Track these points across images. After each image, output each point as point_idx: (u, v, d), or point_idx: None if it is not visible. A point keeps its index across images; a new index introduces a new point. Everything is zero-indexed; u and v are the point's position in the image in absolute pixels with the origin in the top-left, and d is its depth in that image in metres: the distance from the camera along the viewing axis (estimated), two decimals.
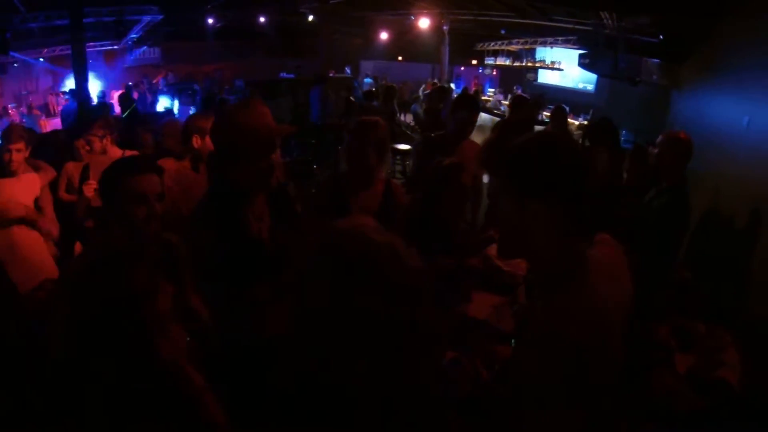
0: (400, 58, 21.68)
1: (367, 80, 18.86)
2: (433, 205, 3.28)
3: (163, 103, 16.02)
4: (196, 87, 16.62)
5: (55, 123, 15.92)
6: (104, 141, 4.59)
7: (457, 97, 5.60)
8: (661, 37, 8.03)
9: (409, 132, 11.86)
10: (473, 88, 17.95)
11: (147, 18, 14.73)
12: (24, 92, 19.22)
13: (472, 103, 4.68)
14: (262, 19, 17.61)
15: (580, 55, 11.37)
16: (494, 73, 19.79)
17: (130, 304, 1.73)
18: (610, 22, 9.15)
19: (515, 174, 1.51)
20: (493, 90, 18.56)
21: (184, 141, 3.99)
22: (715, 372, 2.50)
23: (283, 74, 15.10)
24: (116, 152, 4.59)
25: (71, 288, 1.83)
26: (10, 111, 16.87)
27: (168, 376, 1.85)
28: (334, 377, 1.07)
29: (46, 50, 16.88)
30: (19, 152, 4.06)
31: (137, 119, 9.00)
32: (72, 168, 5.26)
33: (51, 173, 4.47)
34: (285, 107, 12.24)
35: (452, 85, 16.29)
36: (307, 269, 1.13)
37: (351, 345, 1.05)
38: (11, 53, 13.73)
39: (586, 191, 1.51)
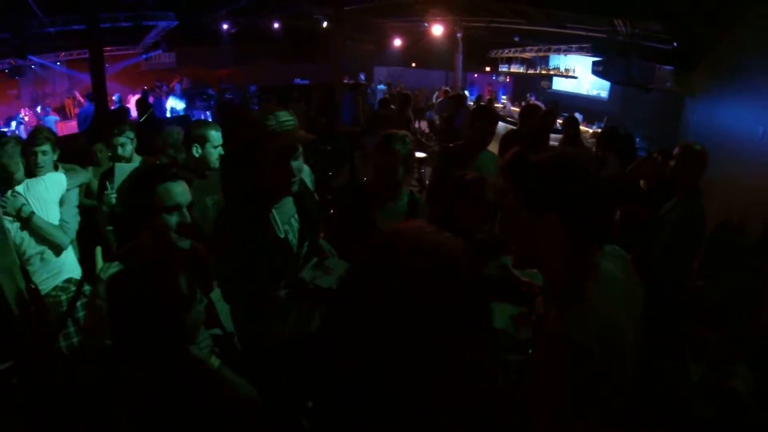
0: (413, 64, 21.71)
1: (381, 87, 18.90)
2: (454, 219, 3.31)
3: (175, 106, 16.13)
4: (210, 92, 16.73)
5: (72, 126, 16.12)
6: (133, 144, 4.61)
7: (475, 108, 5.62)
8: (674, 44, 8.03)
9: (424, 140, 11.87)
10: (487, 96, 17.94)
11: (163, 23, 14.85)
12: (41, 95, 19.51)
13: (490, 114, 4.71)
14: (276, 25, 17.69)
15: (594, 63, 11.35)
16: (508, 80, 19.76)
17: (165, 311, 1.80)
18: (623, 29, 9.14)
19: (530, 188, 1.59)
20: (505, 97, 18.56)
21: (186, 149, 4.00)
22: (726, 382, 2.52)
23: (297, 80, 15.16)
24: (136, 158, 4.61)
25: (109, 296, 1.89)
26: (25, 113, 17.10)
27: (194, 380, 1.90)
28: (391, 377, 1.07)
29: (63, 54, 17.08)
30: (45, 154, 4.13)
31: (154, 124, 9.05)
32: (93, 172, 5.34)
33: (82, 177, 4.53)
34: (299, 113, 12.23)
35: (466, 92, 16.30)
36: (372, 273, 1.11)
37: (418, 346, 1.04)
38: (28, 57, 13.92)
39: (598, 206, 1.58)
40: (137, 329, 1.79)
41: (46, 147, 4.13)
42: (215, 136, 3.79)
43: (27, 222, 3.81)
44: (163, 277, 1.84)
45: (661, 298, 1.81)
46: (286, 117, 2.37)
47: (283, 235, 2.50)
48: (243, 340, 2.61)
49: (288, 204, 2.59)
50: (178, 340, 1.90)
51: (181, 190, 2.35)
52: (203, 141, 3.76)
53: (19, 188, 3.84)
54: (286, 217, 2.56)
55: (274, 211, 2.50)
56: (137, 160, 4.61)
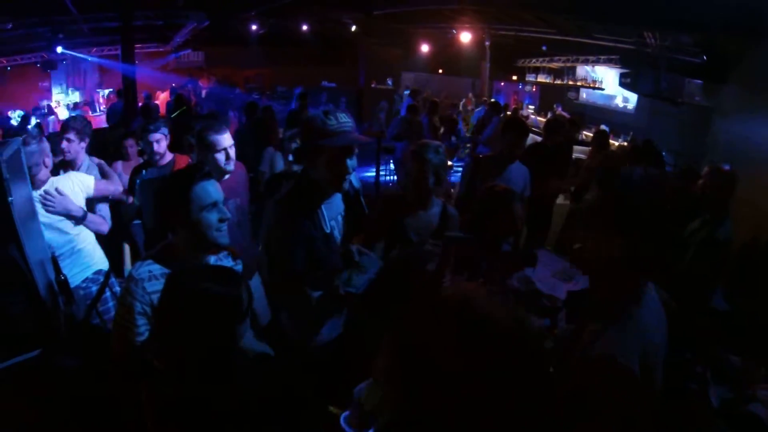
0: (440, 71, 21.68)
1: (406, 92, 18.92)
2: (481, 229, 3.32)
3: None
4: (237, 92, 16.88)
5: (100, 120, 16.39)
6: (163, 144, 4.63)
7: (507, 120, 5.64)
8: (704, 57, 7.94)
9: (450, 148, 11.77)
10: (513, 105, 17.88)
11: (193, 23, 15.03)
12: (71, 88, 19.88)
13: (521, 126, 4.72)
14: (304, 27, 17.79)
15: (622, 75, 11.27)
16: (534, 89, 19.68)
17: (215, 310, 1.87)
18: (652, 41, 9.06)
19: (616, 210, 1.62)
20: (531, 107, 18.48)
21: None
22: (747, 406, 2.49)
23: (325, 83, 15.21)
24: (168, 156, 4.67)
25: (169, 295, 1.96)
26: (55, 106, 17.43)
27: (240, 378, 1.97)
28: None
29: (95, 49, 17.39)
30: (70, 142, 4.23)
31: (187, 122, 9.12)
32: (121, 167, 5.41)
33: (113, 186, 4.50)
34: None
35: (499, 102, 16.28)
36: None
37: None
38: (61, 50, 14.21)
39: (667, 235, 1.65)
40: (191, 330, 1.86)
41: (71, 135, 4.23)
42: (219, 139, 3.74)
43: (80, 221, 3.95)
44: (224, 277, 1.94)
45: (684, 320, 1.81)
46: (345, 118, 2.54)
47: (329, 230, 2.64)
48: (278, 331, 2.76)
49: (336, 201, 2.75)
50: (230, 341, 1.97)
51: (215, 188, 2.40)
52: (206, 146, 3.75)
53: (43, 189, 3.85)
54: (333, 213, 2.71)
55: (323, 207, 2.64)
56: (170, 157, 4.65)
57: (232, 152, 3.75)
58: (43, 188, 3.81)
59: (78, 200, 3.98)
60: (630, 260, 1.60)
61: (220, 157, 3.67)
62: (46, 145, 3.94)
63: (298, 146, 2.72)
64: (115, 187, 4.53)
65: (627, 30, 10.00)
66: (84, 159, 4.63)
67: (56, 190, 3.84)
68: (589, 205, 1.75)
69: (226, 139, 3.70)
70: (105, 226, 4.19)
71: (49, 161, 3.90)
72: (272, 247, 2.60)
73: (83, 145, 4.62)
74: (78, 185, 4.05)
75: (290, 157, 4.20)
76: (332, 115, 2.52)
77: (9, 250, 3.20)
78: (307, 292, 2.53)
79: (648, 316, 1.60)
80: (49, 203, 3.80)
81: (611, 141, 11.18)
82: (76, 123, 4.58)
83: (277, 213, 2.62)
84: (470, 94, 18.10)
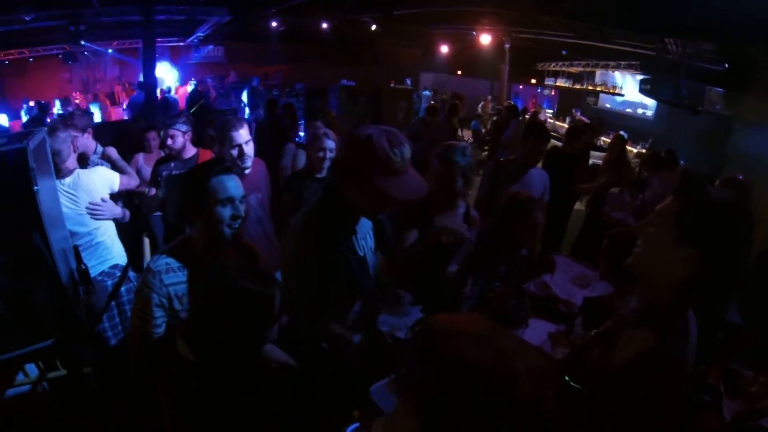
0: (459, 72, 21.67)
1: (426, 93, 18.89)
2: (503, 233, 3.36)
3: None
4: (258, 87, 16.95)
5: (119, 112, 16.58)
6: (186, 137, 4.62)
7: (528, 124, 5.63)
8: (726, 64, 7.86)
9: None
10: (531, 108, 17.82)
11: (215, 18, 15.12)
12: (92, 80, 20.12)
13: (543, 131, 4.72)
14: (324, 26, 17.84)
15: (641, 81, 11.18)
16: (553, 93, 19.62)
17: (250, 308, 1.91)
18: (673, 47, 8.98)
19: (685, 226, 1.62)
20: (550, 112, 18.42)
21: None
22: (759, 421, 2.49)
23: (344, 81, 15.21)
24: (192, 150, 4.69)
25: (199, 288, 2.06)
26: (76, 97, 17.63)
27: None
28: None
29: (116, 42, 17.56)
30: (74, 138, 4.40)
31: (205, 116, 9.18)
32: (143, 160, 5.48)
33: (133, 181, 4.67)
34: (346, 114, 12.28)
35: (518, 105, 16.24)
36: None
37: None
38: (83, 43, 14.37)
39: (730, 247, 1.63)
40: (224, 326, 1.89)
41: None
42: (236, 135, 3.75)
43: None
44: (239, 277, 1.94)
45: (700, 330, 1.81)
46: (407, 152, 2.20)
47: (362, 254, 2.49)
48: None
49: (364, 220, 2.54)
50: (260, 341, 2.02)
51: (234, 184, 2.38)
52: (225, 140, 3.77)
53: (68, 180, 3.92)
54: (363, 233, 2.54)
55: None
56: (193, 151, 4.67)
57: (248, 149, 3.76)
58: (69, 179, 3.88)
59: (103, 194, 4.06)
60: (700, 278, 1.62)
61: (234, 153, 3.71)
62: (72, 132, 4.02)
63: (338, 160, 2.41)
64: (135, 181, 4.66)
65: (648, 36, 9.92)
66: (94, 146, 4.90)
67: (102, 199, 4.01)
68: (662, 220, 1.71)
69: (241, 135, 3.72)
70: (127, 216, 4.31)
71: (74, 147, 4.01)
72: (303, 268, 2.32)
73: (87, 135, 4.82)
74: (103, 180, 4.12)
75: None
76: (398, 148, 2.15)
77: (33, 239, 3.25)
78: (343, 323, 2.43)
79: (692, 332, 1.65)
80: (98, 212, 3.96)
81: (629, 147, 11.16)
82: (73, 119, 4.74)
83: (309, 233, 2.34)
84: (489, 97, 18.07)
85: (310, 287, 2.30)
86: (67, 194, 3.86)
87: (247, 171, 3.80)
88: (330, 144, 4.09)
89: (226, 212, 2.34)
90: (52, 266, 3.42)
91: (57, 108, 15.83)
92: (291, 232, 2.46)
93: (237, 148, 3.71)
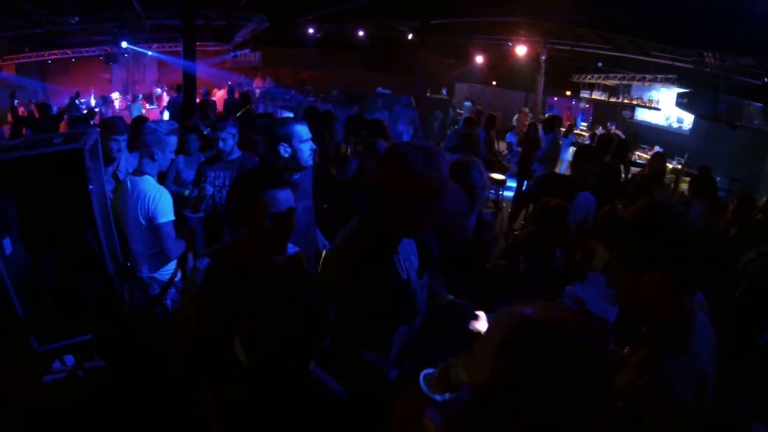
0: (494, 83, 21.55)
1: (467, 103, 18.82)
2: (537, 241, 3.42)
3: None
4: (293, 93, 17.11)
5: (155, 113, 16.94)
6: (235, 139, 4.66)
7: (579, 149, 5.66)
8: (765, 79, 7.76)
9: (503, 162, 11.74)
10: (566, 122, 17.65)
11: (254, 24, 15.36)
12: (131, 81, 20.60)
13: (593, 155, 4.76)
14: (360, 33, 17.96)
15: (679, 95, 11.07)
16: (587, 106, 19.45)
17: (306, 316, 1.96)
18: (711, 60, 8.87)
19: (627, 249, 1.62)
20: (585, 125, 18.25)
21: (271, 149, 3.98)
22: None
23: (379, 89, 15.23)
24: (236, 153, 4.74)
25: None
26: (117, 98, 18.07)
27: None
28: None
29: (155, 45, 17.98)
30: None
31: (248, 120, 9.29)
32: (183, 162, 5.59)
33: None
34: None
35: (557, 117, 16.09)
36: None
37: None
38: (125, 45, 14.78)
39: (698, 254, 1.61)
40: (278, 332, 1.93)
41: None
42: (302, 130, 3.66)
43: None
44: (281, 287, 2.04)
45: (734, 352, 1.80)
46: (446, 169, 2.11)
47: (406, 277, 2.30)
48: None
49: (407, 240, 2.37)
50: (312, 350, 2.04)
51: (285, 198, 2.33)
52: (289, 138, 3.61)
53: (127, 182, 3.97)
54: (406, 255, 2.35)
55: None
56: (237, 153, 4.72)
57: (310, 145, 3.70)
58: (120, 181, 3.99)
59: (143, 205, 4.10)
60: (671, 283, 1.59)
61: (306, 147, 3.64)
62: None
63: (374, 181, 2.21)
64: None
65: (686, 49, 9.83)
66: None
67: None
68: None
69: (307, 131, 3.69)
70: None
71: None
72: (341, 292, 2.15)
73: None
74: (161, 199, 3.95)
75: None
76: (435, 167, 2.04)
77: (86, 237, 3.38)
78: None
79: (700, 344, 1.58)
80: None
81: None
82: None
83: (347, 257, 2.22)
84: (525, 108, 17.98)
85: (347, 313, 2.14)
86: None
87: (298, 174, 3.69)
88: None
89: (275, 226, 2.30)
90: (102, 263, 3.56)
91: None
92: (332, 252, 2.40)
93: (308, 142, 3.66)
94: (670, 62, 11.14)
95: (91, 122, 10.64)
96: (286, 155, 3.59)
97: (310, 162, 3.69)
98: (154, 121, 3.68)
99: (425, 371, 1.92)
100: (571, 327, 1.19)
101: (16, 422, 3.53)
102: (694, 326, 1.60)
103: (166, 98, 18.50)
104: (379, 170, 2.14)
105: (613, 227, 1.68)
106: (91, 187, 3.33)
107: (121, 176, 4.65)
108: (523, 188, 8.99)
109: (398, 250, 2.27)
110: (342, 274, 2.19)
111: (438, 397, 1.65)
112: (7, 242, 3.48)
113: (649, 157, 9.77)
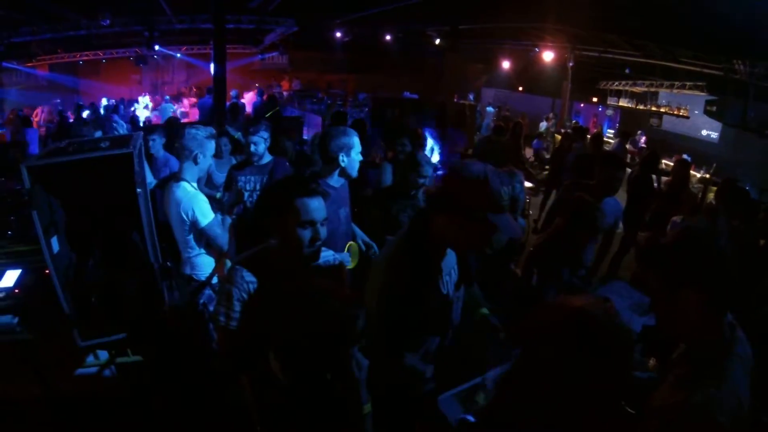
0: (520, 88, 21.43)
1: (490, 109, 18.79)
2: (566, 237, 3.49)
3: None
4: (320, 95, 17.27)
5: (195, 114, 17.24)
6: (266, 143, 4.69)
7: (606, 155, 5.71)
8: None
9: (530, 169, 11.73)
10: (593, 129, 17.52)
11: (281, 28, 15.57)
12: (160, 82, 20.96)
13: (620, 163, 4.80)
14: (388, 37, 18.02)
15: (707, 102, 10.97)
16: (614, 113, 19.28)
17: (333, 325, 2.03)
18: (741, 67, 8.79)
19: (666, 271, 1.72)
20: (612, 131, 18.09)
21: (323, 157, 3.88)
22: None
23: (406, 93, 15.27)
24: (267, 157, 4.78)
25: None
26: (149, 98, 18.41)
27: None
28: None
29: (185, 48, 18.30)
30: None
31: (277, 124, 9.35)
32: (214, 165, 5.60)
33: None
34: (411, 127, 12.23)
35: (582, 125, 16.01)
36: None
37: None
38: (156, 47, 15.09)
39: (731, 279, 1.70)
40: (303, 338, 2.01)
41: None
42: (357, 142, 3.69)
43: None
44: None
45: (761, 374, 1.85)
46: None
47: (445, 291, 2.37)
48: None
49: (449, 255, 2.41)
50: (341, 359, 2.13)
51: (317, 206, 2.31)
52: (350, 149, 3.65)
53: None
54: (447, 269, 2.40)
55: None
56: (269, 158, 4.77)
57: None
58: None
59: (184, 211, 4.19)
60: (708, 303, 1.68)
61: (357, 158, 3.68)
62: None
63: (442, 193, 2.20)
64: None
65: (715, 56, 9.76)
66: None
67: None
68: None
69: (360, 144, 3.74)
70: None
71: None
72: (385, 301, 2.21)
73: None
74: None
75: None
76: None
77: (132, 238, 3.51)
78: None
79: (739, 369, 1.65)
80: None
81: (692, 172, 10.91)
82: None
83: (395, 267, 2.26)
84: (551, 114, 17.92)
85: (387, 321, 2.21)
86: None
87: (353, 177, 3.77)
88: (430, 171, 4.12)
89: (307, 234, 2.29)
90: (146, 263, 3.68)
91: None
92: (380, 260, 2.44)
93: (358, 154, 3.70)
94: (698, 69, 11.03)
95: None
96: (343, 164, 3.64)
97: (355, 173, 3.73)
98: (193, 126, 3.74)
99: (442, 396, 2.02)
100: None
101: (50, 410, 3.66)
102: (734, 349, 1.68)
103: (192, 100, 18.72)
104: (451, 181, 2.17)
105: (654, 252, 1.78)
106: (138, 190, 3.44)
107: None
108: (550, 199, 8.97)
109: (442, 267, 2.32)
110: (387, 287, 2.22)
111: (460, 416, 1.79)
112: (54, 241, 3.63)
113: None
